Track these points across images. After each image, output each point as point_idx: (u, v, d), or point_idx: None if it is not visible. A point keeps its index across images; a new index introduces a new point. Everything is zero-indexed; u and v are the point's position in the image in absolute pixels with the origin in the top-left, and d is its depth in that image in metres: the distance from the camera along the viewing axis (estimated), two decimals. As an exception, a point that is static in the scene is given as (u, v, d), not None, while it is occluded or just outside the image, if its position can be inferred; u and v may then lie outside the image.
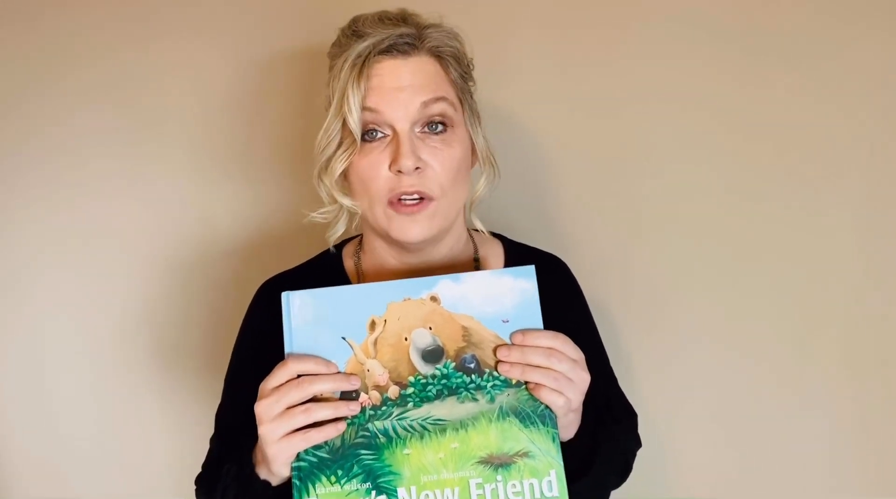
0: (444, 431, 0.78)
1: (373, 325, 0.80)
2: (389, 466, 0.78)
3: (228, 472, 0.85)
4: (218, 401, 1.00)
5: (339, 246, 1.03)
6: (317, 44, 1.06)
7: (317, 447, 0.77)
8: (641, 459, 1.03)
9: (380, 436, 0.78)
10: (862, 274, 1.18)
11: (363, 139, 0.87)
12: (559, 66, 1.24)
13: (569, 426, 0.84)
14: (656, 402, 1.21)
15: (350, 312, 0.80)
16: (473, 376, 0.79)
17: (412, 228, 0.87)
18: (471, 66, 0.95)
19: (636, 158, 1.23)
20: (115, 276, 1.32)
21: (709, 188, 1.21)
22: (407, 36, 0.87)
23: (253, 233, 1.31)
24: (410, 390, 0.79)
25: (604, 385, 1.01)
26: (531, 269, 0.82)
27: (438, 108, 0.87)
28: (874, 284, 1.18)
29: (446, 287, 0.81)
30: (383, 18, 0.89)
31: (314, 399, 0.78)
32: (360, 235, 1.02)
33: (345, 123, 0.86)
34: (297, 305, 0.80)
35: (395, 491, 0.77)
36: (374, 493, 0.77)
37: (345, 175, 0.90)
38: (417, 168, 0.86)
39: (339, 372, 0.79)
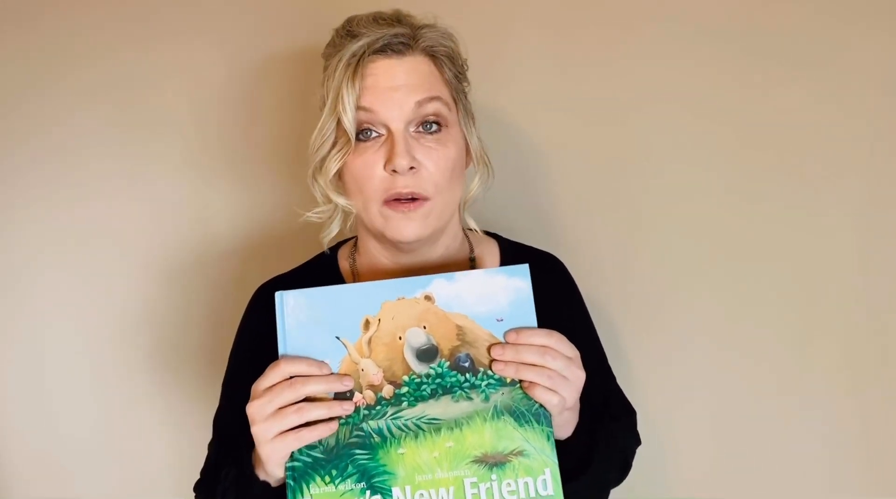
0: (438, 430, 0.78)
1: (367, 324, 0.80)
2: (384, 465, 0.77)
3: (228, 475, 0.85)
4: (217, 400, 1.00)
5: (335, 248, 1.03)
6: (312, 45, 1.06)
7: (311, 447, 0.77)
8: (640, 457, 1.03)
9: (374, 435, 0.78)
10: (862, 274, 1.18)
11: (357, 139, 0.87)
12: (555, 67, 1.24)
13: (566, 424, 0.84)
14: (655, 401, 1.21)
15: (344, 312, 0.80)
16: (468, 375, 0.79)
17: (407, 227, 0.87)
18: (465, 67, 0.95)
19: (634, 157, 1.23)
20: (114, 276, 1.32)
21: (707, 188, 1.21)
22: (401, 36, 0.87)
23: (251, 233, 1.31)
24: (405, 389, 0.79)
25: (602, 383, 1.01)
26: (525, 267, 0.82)
27: (433, 107, 0.87)
28: (874, 284, 1.18)
29: (440, 286, 0.81)
30: (378, 19, 0.89)
31: (308, 399, 0.78)
32: (356, 237, 1.01)
33: (339, 123, 0.86)
34: (291, 305, 0.80)
35: (390, 491, 0.77)
36: (368, 493, 0.77)
37: (339, 175, 0.90)
38: (412, 168, 0.86)
39: (331, 373, 0.78)
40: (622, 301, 1.24)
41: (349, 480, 0.77)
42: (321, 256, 1.02)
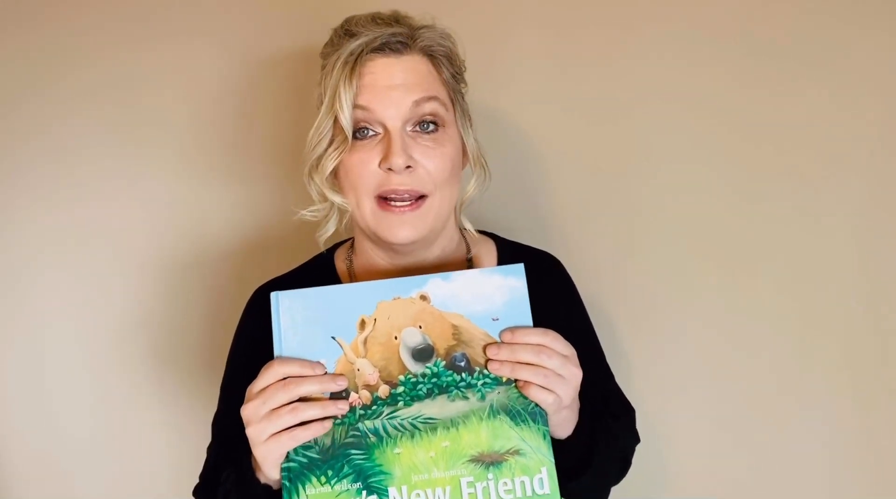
0: (434, 429, 0.78)
1: (362, 324, 0.80)
2: (380, 465, 0.77)
3: (228, 478, 0.85)
4: (216, 400, 1.00)
5: (331, 249, 1.03)
6: (310, 45, 1.07)
7: (306, 447, 0.77)
8: (639, 456, 1.02)
9: (370, 435, 0.78)
10: (862, 274, 1.18)
11: (354, 137, 0.87)
12: (554, 67, 1.24)
13: (564, 423, 0.84)
14: (654, 400, 1.21)
15: (340, 312, 0.80)
16: (464, 375, 0.79)
17: (401, 228, 0.87)
18: (463, 67, 0.95)
19: (632, 157, 1.23)
20: (113, 276, 1.33)
21: (707, 188, 1.21)
22: (400, 35, 0.87)
23: (250, 233, 1.31)
24: (401, 388, 0.79)
25: (600, 382, 1.01)
26: (520, 267, 0.82)
27: (430, 107, 0.87)
28: (874, 284, 1.18)
29: (436, 286, 0.81)
30: (376, 19, 0.89)
31: (304, 400, 0.77)
32: (352, 239, 1.01)
33: (336, 121, 0.87)
34: (287, 306, 0.80)
35: (386, 491, 0.77)
36: (364, 493, 0.77)
37: (335, 173, 0.90)
38: (409, 167, 0.86)
39: (325, 373, 0.78)
40: (620, 300, 1.24)
41: (345, 480, 0.77)
42: (318, 257, 1.02)
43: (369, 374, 0.79)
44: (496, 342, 0.80)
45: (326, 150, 0.88)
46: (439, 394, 0.79)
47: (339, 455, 0.77)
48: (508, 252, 1.01)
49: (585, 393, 0.83)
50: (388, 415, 0.78)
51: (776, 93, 1.18)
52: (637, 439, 1.03)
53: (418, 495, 0.77)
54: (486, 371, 0.79)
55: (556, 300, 0.96)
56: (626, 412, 1.03)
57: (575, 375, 0.80)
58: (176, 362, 1.33)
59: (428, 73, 0.89)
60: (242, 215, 1.31)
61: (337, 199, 0.90)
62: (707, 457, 1.24)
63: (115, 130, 1.31)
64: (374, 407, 0.78)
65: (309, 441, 0.77)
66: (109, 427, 1.35)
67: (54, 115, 1.31)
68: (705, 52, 1.20)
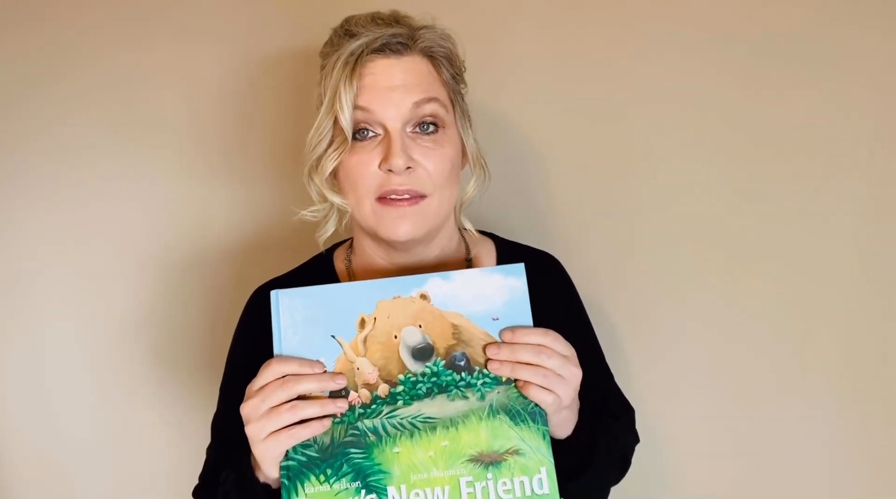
0: (434, 429, 0.78)
1: (362, 323, 0.80)
2: (379, 464, 0.77)
3: (228, 478, 0.85)
4: (215, 399, 1.00)
5: (331, 249, 1.03)
6: (309, 45, 1.07)
7: (305, 446, 0.77)
8: (638, 456, 1.02)
9: (369, 434, 0.78)
10: (862, 274, 1.18)
11: (354, 138, 0.87)
12: (554, 67, 1.24)
13: (564, 423, 0.83)
14: (653, 400, 1.21)
15: (339, 311, 0.80)
16: (463, 374, 0.79)
17: (400, 225, 0.87)
18: (463, 68, 0.95)
19: (632, 157, 1.23)
20: (113, 276, 1.33)
21: (706, 187, 1.21)
22: (400, 36, 0.87)
23: (249, 233, 1.31)
24: (400, 387, 0.79)
25: (600, 381, 1.01)
26: (521, 267, 0.82)
27: (430, 108, 0.87)
28: (874, 284, 1.17)
29: (436, 285, 0.81)
30: (376, 19, 0.89)
31: (303, 398, 0.77)
32: (352, 238, 1.01)
33: (336, 122, 0.86)
34: (287, 304, 0.80)
35: (385, 490, 0.77)
36: (363, 492, 0.77)
37: (334, 174, 0.90)
38: (409, 167, 0.86)
39: (324, 371, 0.78)
40: (620, 300, 1.24)
41: (344, 479, 0.77)
42: (317, 257, 1.02)
43: (369, 373, 0.79)
44: (496, 342, 0.79)
45: (326, 150, 0.88)
46: (439, 393, 0.79)
47: (338, 454, 0.77)
48: (508, 252, 1.01)
49: (585, 393, 0.83)
50: (387, 414, 0.78)
51: (776, 93, 1.18)
52: (637, 439, 1.03)
53: (417, 494, 0.77)
54: (485, 371, 0.79)
55: (555, 300, 0.96)
56: (625, 412, 1.03)
57: (575, 375, 0.79)
58: (176, 362, 1.33)
59: (428, 74, 0.89)
60: (242, 215, 1.31)
61: (336, 199, 0.90)
62: (706, 457, 1.24)
63: (115, 130, 1.31)
64: (374, 406, 0.78)
65: (308, 440, 0.77)
66: (109, 427, 1.35)
67: (54, 115, 1.31)
68: (705, 52, 1.20)
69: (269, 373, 0.77)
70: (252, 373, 0.79)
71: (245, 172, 1.31)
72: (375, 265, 0.96)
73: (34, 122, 1.32)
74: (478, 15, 1.25)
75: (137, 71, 1.31)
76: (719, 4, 1.20)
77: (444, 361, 0.79)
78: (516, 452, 0.78)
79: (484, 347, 0.79)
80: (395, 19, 0.89)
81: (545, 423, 0.79)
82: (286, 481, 0.77)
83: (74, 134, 1.31)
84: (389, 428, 0.78)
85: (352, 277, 0.98)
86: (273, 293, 0.80)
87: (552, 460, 0.78)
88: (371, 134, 0.87)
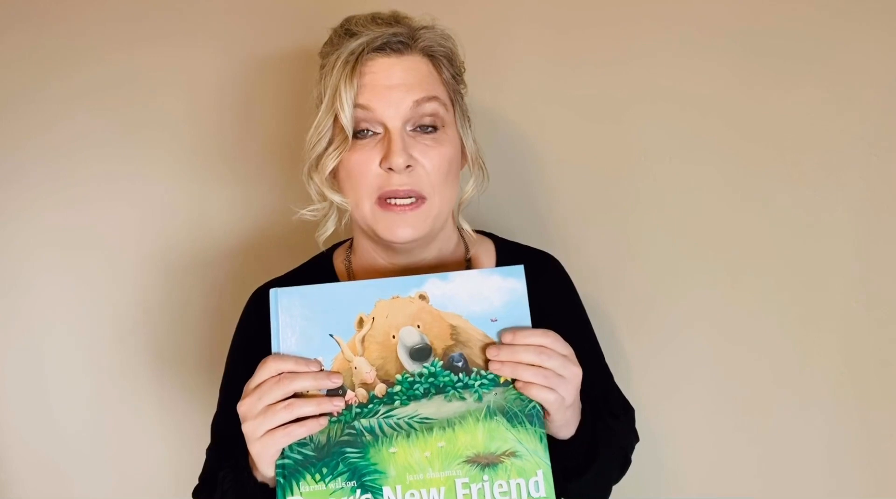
0: (430, 429, 0.78)
1: (361, 322, 0.80)
2: (375, 464, 0.77)
3: (226, 477, 0.85)
4: (214, 400, 1.00)
5: (331, 249, 1.03)
6: (308, 45, 1.07)
7: (301, 445, 0.77)
8: (638, 455, 1.02)
9: (366, 434, 0.78)
10: (862, 274, 1.17)
11: (354, 137, 0.87)
12: (553, 67, 1.24)
13: (567, 424, 0.83)
14: (653, 399, 1.21)
15: (338, 310, 0.80)
16: (461, 375, 0.79)
17: (400, 227, 0.87)
18: (463, 68, 0.95)
19: (632, 157, 1.23)
20: (112, 276, 1.33)
21: (706, 187, 1.21)
22: (400, 35, 0.87)
23: (249, 233, 1.31)
24: (397, 387, 0.79)
25: (600, 381, 1.00)
26: (520, 268, 0.81)
27: (430, 107, 0.87)
28: (874, 284, 1.17)
29: (435, 286, 0.80)
30: (376, 19, 0.89)
31: (300, 397, 0.77)
32: (351, 238, 1.01)
33: (336, 121, 0.86)
34: (285, 303, 0.80)
35: (381, 490, 0.76)
36: (359, 491, 0.76)
37: (334, 173, 0.90)
38: (409, 166, 0.86)
39: (321, 370, 0.78)
40: (619, 300, 1.23)
41: (340, 478, 0.77)
42: (317, 257, 1.03)
43: (366, 372, 0.79)
44: (496, 343, 0.79)
45: (326, 149, 0.88)
46: (436, 394, 0.79)
47: (334, 453, 0.77)
48: (507, 252, 1.01)
49: (585, 393, 0.83)
50: (384, 414, 0.78)
51: (776, 92, 1.18)
52: (637, 438, 1.03)
53: (413, 494, 0.77)
54: (483, 372, 0.79)
55: (554, 300, 0.96)
56: (625, 411, 1.02)
57: (575, 374, 0.79)
58: (176, 362, 1.33)
59: (428, 74, 0.89)
60: (242, 215, 1.31)
61: (336, 198, 0.90)
62: (706, 456, 1.24)
63: (114, 131, 1.31)
64: (371, 406, 0.78)
65: (304, 438, 0.77)
66: (109, 427, 1.35)
67: (54, 115, 1.32)
68: (705, 52, 1.20)
69: (265, 370, 0.77)
70: (251, 373, 0.79)
71: (244, 172, 1.31)
72: (375, 265, 0.96)
73: (34, 122, 1.32)
74: (478, 15, 1.25)
75: (137, 71, 1.31)
76: (719, 4, 1.20)
77: (441, 362, 0.79)
78: (513, 454, 0.78)
79: (482, 348, 0.79)
80: (395, 19, 0.89)
81: (542, 425, 0.78)
82: (282, 480, 0.77)
83: (74, 134, 1.32)
84: (386, 428, 0.78)
85: (351, 277, 0.98)
86: (272, 292, 0.80)
87: (549, 463, 0.78)
88: (371, 133, 0.87)
